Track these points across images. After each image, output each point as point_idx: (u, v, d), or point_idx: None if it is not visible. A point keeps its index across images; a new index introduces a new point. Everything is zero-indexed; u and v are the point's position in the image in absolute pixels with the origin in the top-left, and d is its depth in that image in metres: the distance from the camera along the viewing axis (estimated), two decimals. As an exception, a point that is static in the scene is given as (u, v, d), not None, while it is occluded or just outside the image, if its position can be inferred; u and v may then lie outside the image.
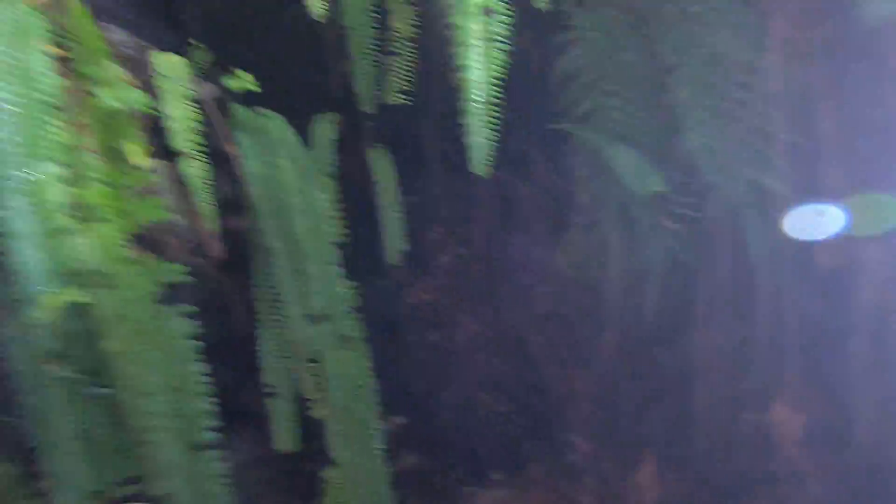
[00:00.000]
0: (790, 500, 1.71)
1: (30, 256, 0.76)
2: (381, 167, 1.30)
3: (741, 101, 1.50)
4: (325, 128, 1.19)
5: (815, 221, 1.50)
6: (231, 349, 1.26)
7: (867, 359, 1.69)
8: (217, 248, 1.05)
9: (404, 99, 1.26)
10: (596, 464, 1.74)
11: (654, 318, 1.77)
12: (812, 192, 1.63)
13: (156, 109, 0.91)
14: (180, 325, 0.81)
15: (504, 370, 1.72)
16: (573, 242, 1.80)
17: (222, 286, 1.12)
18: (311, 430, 1.09)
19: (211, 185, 0.94)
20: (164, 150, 1.06)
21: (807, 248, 1.69)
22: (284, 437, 1.05)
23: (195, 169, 0.90)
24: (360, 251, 1.33)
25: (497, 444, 1.67)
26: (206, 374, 0.83)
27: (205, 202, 0.93)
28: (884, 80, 1.52)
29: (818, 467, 1.74)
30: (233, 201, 1.21)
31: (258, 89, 0.98)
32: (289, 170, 0.99)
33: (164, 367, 0.80)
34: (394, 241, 1.29)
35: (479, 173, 0.88)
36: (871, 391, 1.71)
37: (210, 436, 0.84)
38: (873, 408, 1.72)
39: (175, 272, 0.80)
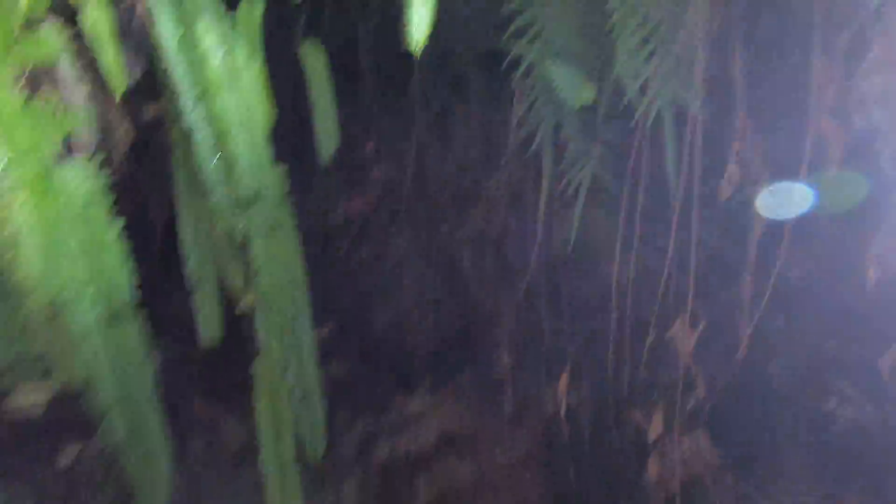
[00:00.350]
0: (682, 401, 1.90)
1: None
2: (314, 62, 1.21)
3: (671, 30, 1.54)
4: (252, 12, 1.07)
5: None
6: (146, 246, 1.15)
7: (755, 284, 1.88)
8: (126, 128, 0.93)
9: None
10: (517, 375, 1.82)
11: (577, 242, 1.84)
12: (728, 124, 1.73)
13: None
14: (87, 180, 0.71)
15: (433, 286, 1.72)
16: (507, 164, 1.81)
17: (133, 173, 1.01)
18: (238, 327, 1.04)
19: (118, 42, 0.81)
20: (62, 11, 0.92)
21: (714, 181, 1.82)
22: (210, 333, 0.99)
23: (99, 19, 0.77)
24: (287, 155, 1.25)
25: (425, 355, 1.69)
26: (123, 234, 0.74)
27: (112, 61, 0.80)
28: (807, 23, 1.61)
29: (707, 375, 1.93)
30: (145, 86, 1.08)
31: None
32: (211, 38, 0.89)
33: (71, 227, 0.70)
34: (326, 139, 1.22)
35: (415, 52, 0.83)
36: (755, 312, 1.91)
37: (131, 302, 0.76)
38: (756, 325, 1.93)
39: (75, 120, 0.69)
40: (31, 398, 0.77)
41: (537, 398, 1.82)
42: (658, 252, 1.88)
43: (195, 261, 0.98)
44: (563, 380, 1.88)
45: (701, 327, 1.91)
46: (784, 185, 1.76)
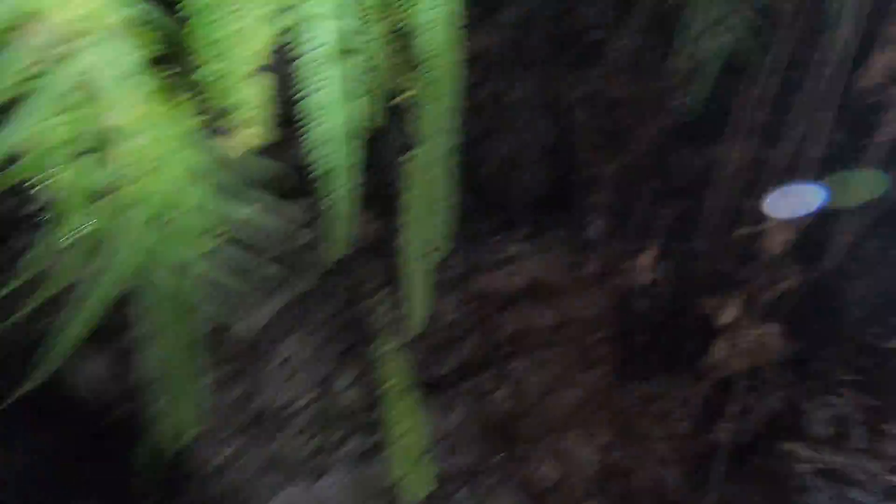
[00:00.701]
0: (761, 294, 1.93)
1: None
2: None
3: None
4: None
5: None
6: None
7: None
8: None
9: None
10: (607, 240, 1.88)
11: (693, 118, 1.79)
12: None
13: None
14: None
15: (544, 137, 1.74)
16: (640, 24, 1.73)
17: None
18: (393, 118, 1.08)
19: None
20: None
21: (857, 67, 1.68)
22: (372, 121, 1.04)
23: None
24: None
25: (526, 203, 1.75)
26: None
27: None
28: None
29: (792, 275, 1.94)
30: None
31: None
32: None
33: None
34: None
35: None
36: (855, 227, 1.85)
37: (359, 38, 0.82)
38: (853, 242, 1.88)
39: None
40: (248, 139, 0.85)
41: (621, 266, 1.89)
42: (774, 140, 1.81)
43: (364, 55, 1.02)
44: (651, 252, 1.93)
45: (798, 226, 1.89)
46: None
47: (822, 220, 1.85)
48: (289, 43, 0.79)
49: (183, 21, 0.73)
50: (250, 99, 0.86)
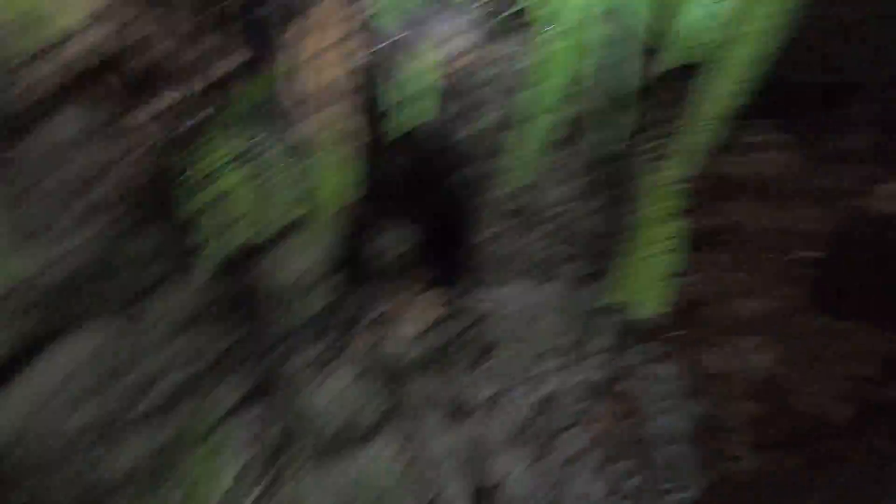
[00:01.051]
0: None
1: None
2: None
3: None
4: None
5: None
6: None
7: None
8: None
9: None
10: (862, 156, 1.76)
11: None
12: None
13: None
14: None
15: (840, 28, 1.62)
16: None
17: None
18: None
19: None
20: None
21: None
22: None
23: None
24: None
25: (798, 93, 1.68)
26: None
27: None
28: None
29: None
30: None
31: None
32: None
33: None
34: None
35: None
36: None
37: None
38: None
39: None
40: None
41: (868, 186, 1.78)
42: None
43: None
44: (890, 188, 1.79)
45: None
46: None
47: None
48: None
49: None
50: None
